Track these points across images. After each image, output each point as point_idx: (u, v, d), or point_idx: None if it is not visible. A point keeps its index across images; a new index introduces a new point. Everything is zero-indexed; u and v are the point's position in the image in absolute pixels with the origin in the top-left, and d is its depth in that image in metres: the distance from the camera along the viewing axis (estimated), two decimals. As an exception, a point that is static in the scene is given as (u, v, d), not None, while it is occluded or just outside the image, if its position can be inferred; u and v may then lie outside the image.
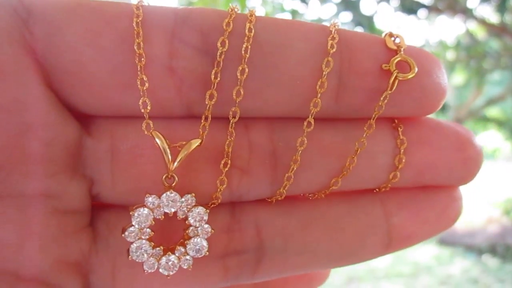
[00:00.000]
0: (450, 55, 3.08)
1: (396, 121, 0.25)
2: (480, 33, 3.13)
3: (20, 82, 0.20)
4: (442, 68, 0.24)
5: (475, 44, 3.01)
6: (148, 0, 0.22)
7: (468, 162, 0.25)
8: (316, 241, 0.25)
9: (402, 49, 0.23)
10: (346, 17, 2.56)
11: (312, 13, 2.68)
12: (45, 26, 0.21)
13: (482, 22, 2.76)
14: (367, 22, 2.56)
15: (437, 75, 0.24)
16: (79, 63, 0.21)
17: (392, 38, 0.23)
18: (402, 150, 0.24)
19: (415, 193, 0.26)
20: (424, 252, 3.02)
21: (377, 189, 0.26)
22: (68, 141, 0.21)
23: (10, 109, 0.20)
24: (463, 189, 0.27)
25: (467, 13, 2.70)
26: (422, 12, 2.73)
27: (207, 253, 0.23)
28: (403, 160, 0.24)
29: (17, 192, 0.20)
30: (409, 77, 0.23)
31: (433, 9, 2.74)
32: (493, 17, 2.87)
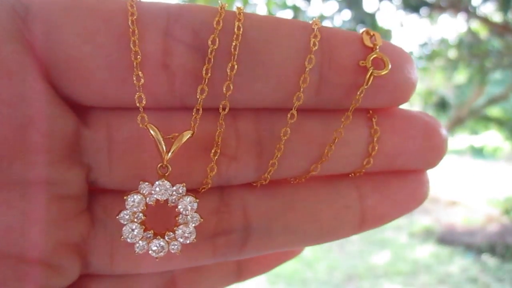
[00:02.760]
0: (452, 53, 3.08)
1: (370, 111, 0.27)
2: (483, 31, 3.13)
3: (21, 77, 0.21)
4: (413, 64, 0.26)
5: (477, 42, 3.01)
6: None
7: (434, 149, 0.28)
8: (298, 222, 0.27)
9: (377, 47, 0.25)
10: (348, 14, 2.56)
11: (314, 10, 2.68)
12: (43, 23, 0.22)
13: (485, 20, 2.76)
14: (369, 19, 2.56)
15: (408, 70, 0.26)
16: (76, 60, 0.22)
17: (369, 36, 0.25)
18: (375, 139, 0.27)
19: (387, 177, 0.28)
20: (424, 250, 3.03)
21: (352, 174, 0.28)
22: (67, 132, 0.22)
23: (11, 103, 0.21)
24: (433, 180, 0.29)
25: (470, 12, 2.70)
26: (424, 10, 2.73)
27: (195, 240, 0.24)
28: (376, 148, 0.27)
29: (19, 180, 0.22)
30: (383, 73, 0.25)
31: (436, 7, 2.74)
32: (496, 16, 2.86)
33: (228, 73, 0.23)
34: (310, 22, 0.25)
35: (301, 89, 0.24)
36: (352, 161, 0.27)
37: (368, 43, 0.25)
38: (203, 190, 0.25)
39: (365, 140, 0.27)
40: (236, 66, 0.23)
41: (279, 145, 0.25)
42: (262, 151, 0.25)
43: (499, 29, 2.77)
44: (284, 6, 2.73)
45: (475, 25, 3.08)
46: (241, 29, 0.23)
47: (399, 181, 0.28)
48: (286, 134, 0.25)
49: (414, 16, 2.80)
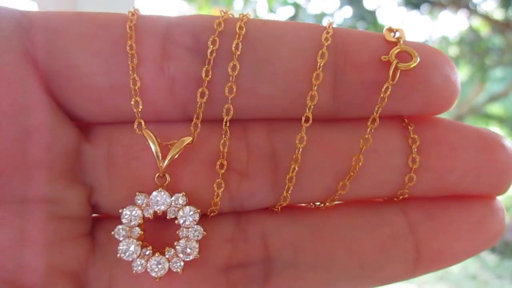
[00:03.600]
0: (453, 51, 3.07)
1: (405, 120, 0.23)
2: (484, 29, 3.11)
3: (21, 88, 0.20)
4: (451, 62, 0.22)
5: (478, 40, 3.00)
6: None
7: (498, 166, 0.23)
8: (330, 254, 0.23)
9: (401, 41, 0.22)
10: (349, 11, 2.55)
11: (314, 7, 2.67)
12: (44, 34, 0.21)
13: (486, 18, 2.75)
14: (370, 16, 2.55)
15: (445, 68, 0.22)
16: (74, 68, 0.21)
17: (392, 33, 0.23)
18: (415, 149, 0.23)
19: (443, 202, 0.23)
20: (423, 248, 3.03)
21: (395, 198, 0.23)
22: (67, 147, 0.21)
23: (11, 114, 0.20)
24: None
25: (471, 9, 2.69)
26: (425, 7, 2.72)
27: (198, 255, 0.22)
28: (418, 160, 0.22)
29: (17, 197, 0.20)
30: (411, 66, 0.21)
31: (437, 4, 2.73)
32: (497, 13, 2.85)
33: (230, 74, 0.22)
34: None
35: (315, 87, 0.21)
36: (388, 177, 0.23)
37: (390, 38, 0.22)
38: (212, 214, 0.23)
39: (402, 150, 0.23)
40: (238, 66, 0.21)
41: (295, 155, 0.22)
42: (277, 165, 0.23)
43: (500, 27, 2.76)
44: (285, 3, 2.72)
45: (476, 22, 3.06)
46: (243, 29, 0.22)
47: (460, 207, 0.23)
48: (302, 142, 0.22)
49: (415, 13, 2.79)
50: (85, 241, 0.22)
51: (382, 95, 0.22)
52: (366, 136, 0.22)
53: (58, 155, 0.21)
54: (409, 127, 0.23)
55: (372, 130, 0.22)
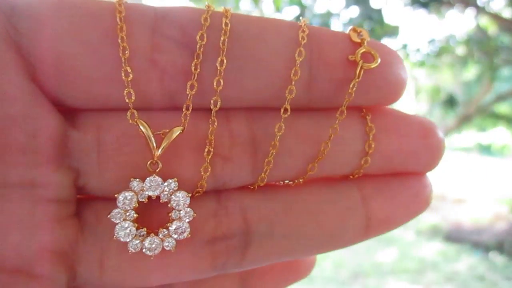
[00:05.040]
0: (460, 50, 3.05)
1: (364, 110, 0.27)
2: (492, 27, 3.09)
3: (5, 75, 0.21)
4: (402, 61, 0.26)
5: (486, 39, 2.98)
6: None
7: (431, 149, 0.27)
8: (300, 225, 0.26)
9: (365, 41, 0.25)
10: (356, 11, 2.55)
11: (320, 6, 2.67)
12: (29, 21, 0.21)
13: (494, 16, 2.73)
14: (376, 16, 2.55)
15: (398, 67, 0.26)
16: (63, 58, 0.22)
17: (356, 34, 0.25)
18: (371, 137, 0.26)
19: (388, 179, 0.27)
20: (430, 248, 3.01)
21: (351, 176, 0.27)
22: (52, 133, 0.22)
23: None
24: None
25: (479, 7, 2.67)
26: (432, 6, 2.71)
27: (189, 235, 0.24)
28: (373, 146, 0.26)
29: (3, 182, 0.21)
30: (373, 66, 0.25)
31: (444, 3, 2.72)
32: (505, 11, 2.83)
33: (218, 68, 0.23)
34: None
35: (293, 82, 0.24)
36: (349, 159, 0.26)
37: (355, 39, 0.25)
38: (197, 194, 0.25)
39: (361, 137, 0.26)
40: (225, 61, 0.23)
41: (273, 142, 0.25)
42: (257, 150, 0.25)
43: (508, 25, 2.74)
44: (291, 3, 2.72)
45: (484, 21, 3.04)
46: (229, 25, 0.23)
47: (400, 182, 0.28)
48: (281, 130, 0.25)
49: (422, 11, 2.77)
50: (73, 222, 0.23)
51: (349, 90, 0.25)
52: (335, 126, 0.25)
53: (44, 141, 0.22)
54: (367, 116, 0.27)
55: (340, 121, 0.26)
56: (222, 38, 0.23)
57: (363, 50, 0.25)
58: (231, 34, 0.23)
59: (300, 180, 0.26)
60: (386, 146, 0.26)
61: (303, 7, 2.60)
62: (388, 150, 0.26)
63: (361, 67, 0.24)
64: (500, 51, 2.95)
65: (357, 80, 0.25)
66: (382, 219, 0.27)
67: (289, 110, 0.24)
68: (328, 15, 2.62)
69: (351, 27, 0.25)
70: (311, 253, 0.27)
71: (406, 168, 0.27)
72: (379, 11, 2.55)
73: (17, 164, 0.21)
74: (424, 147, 0.27)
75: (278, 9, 2.81)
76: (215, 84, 0.23)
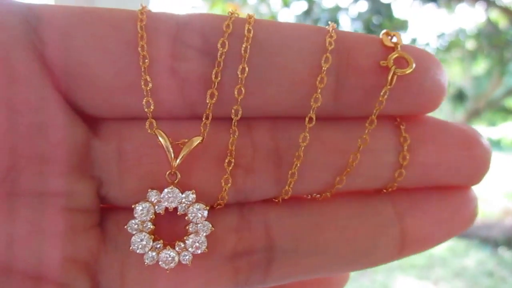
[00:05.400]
0: (470, 44, 3.02)
1: (398, 119, 0.25)
2: (502, 21, 3.06)
3: (31, 85, 0.21)
4: (441, 67, 0.24)
5: (496, 33, 2.94)
6: (154, 6, 0.23)
7: (475, 161, 0.25)
8: (327, 242, 0.24)
9: (399, 46, 0.23)
10: (364, 5, 2.53)
11: (329, 1, 2.65)
12: (54, 32, 0.22)
13: (505, 10, 2.69)
14: (385, 10, 2.53)
15: (436, 72, 0.24)
16: (86, 66, 0.22)
17: (389, 37, 0.24)
18: (406, 147, 0.24)
19: (426, 193, 0.26)
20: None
21: (385, 190, 0.26)
22: (76, 143, 0.22)
23: (21, 111, 0.21)
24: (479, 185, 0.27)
25: (489, 1, 2.64)
26: (442, 0, 2.68)
27: (206, 250, 0.23)
28: (407, 157, 0.24)
29: (31, 191, 0.21)
30: (407, 72, 0.23)
31: (454, -3, 2.69)
32: (516, 5, 2.79)
33: (239, 76, 0.22)
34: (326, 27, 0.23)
35: (318, 90, 0.23)
36: (381, 172, 0.25)
37: (388, 43, 0.24)
38: (218, 207, 0.24)
39: (394, 148, 0.25)
40: (247, 69, 0.22)
41: (298, 153, 0.23)
42: (281, 161, 0.24)
43: (519, 19, 2.70)
44: (299, -3, 2.71)
45: (494, 15, 3.01)
46: (251, 32, 0.22)
47: (441, 197, 0.26)
48: (305, 140, 0.23)
49: (431, 6, 2.75)
50: (96, 231, 0.23)
51: (380, 98, 0.23)
52: (364, 136, 0.24)
53: (69, 150, 0.22)
54: (401, 126, 0.25)
55: (369, 131, 0.24)
56: (244, 45, 0.22)
57: (396, 55, 0.23)
58: (254, 41, 0.22)
59: (328, 193, 0.25)
60: (423, 158, 0.25)
61: (311, 2, 2.59)
62: (426, 162, 0.25)
63: (394, 73, 0.23)
64: (510, 45, 2.91)
65: (388, 87, 0.23)
66: (418, 237, 0.25)
67: (314, 119, 0.23)
68: (337, 9, 2.61)
69: (383, 31, 0.24)
70: (338, 271, 0.26)
71: (447, 181, 0.25)
72: (388, 6, 2.53)
73: (40, 174, 0.21)
74: (467, 158, 0.25)
75: (286, 4, 2.79)
76: (236, 92, 0.23)
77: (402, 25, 2.69)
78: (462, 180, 0.26)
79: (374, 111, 0.24)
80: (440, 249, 2.91)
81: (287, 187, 0.24)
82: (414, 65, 0.23)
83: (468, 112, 3.66)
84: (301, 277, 0.25)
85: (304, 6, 2.65)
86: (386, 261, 0.25)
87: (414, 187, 0.26)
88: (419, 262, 2.71)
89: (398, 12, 2.61)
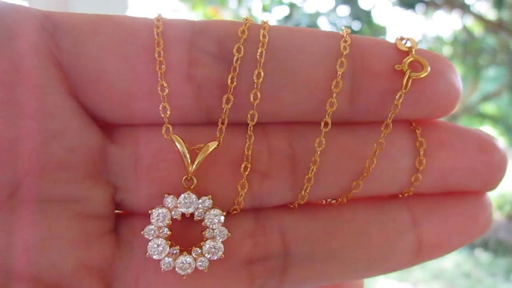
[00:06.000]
0: (446, 50, 3.09)
1: (413, 124, 0.25)
2: (477, 29, 3.14)
3: (46, 91, 0.21)
4: (455, 70, 0.24)
5: (471, 40, 3.02)
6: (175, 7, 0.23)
7: (492, 166, 0.25)
8: (343, 248, 0.24)
9: (413, 50, 0.24)
10: (346, 10, 2.56)
11: (310, 6, 2.67)
12: (70, 38, 0.22)
13: (479, 18, 2.77)
14: (365, 16, 2.56)
15: (450, 76, 0.24)
16: (102, 73, 0.22)
17: (403, 41, 0.24)
18: (422, 152, 0.24)
19: (442, 198, 0.26)
20: (418, 246, 3.04)
21: (401, 195, 0.26)
22: (91, 148, 0.22)
23: (36, 117, 0.21)
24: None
25: (465, 9, 2.71)
26: (419, 7, 2.73)
27: (223, 255, 0.23)
28: (424, 162, 0.25)
29: (44, 197, 0.21)
30: (422, 75, 0.23)
31: (431, 4, 2.75)
32: (490, 13, 2.87)
33: (255, 81, 0.23)
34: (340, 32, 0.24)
35: (334, 95, 0.23)
36: (398, 177, 0.25)
37: (402, 48, 0.24)
38: (234, 212, 0.24)
39: (411, 153, 0.25)
40: (262, 74, 0.22)
41: (314, 157, 0.24)
42: (297, 166, 0.24)
43: (493, 27, 2.78)
44: (280, 3, 2.72)
45: (470, 22, 3.09)
46: (267, 37, 0.23)
47: (456, 203, 0.26)
48: (321, 145, 0.23)
49: (409, 12, 2.80)
50: (110, 238, 0.23)
51: (395, 102, 0.23)
52: (380, 140, 0.24)
53: (83, 156, 0.22)
54: (417, 130, 0.25)
55: (385, 135, 0.24)
56: (259, 51, 0.22)
57: (411, 59, 0.23)
58: (269, 46, 0.23)
59: (344, 199, 0.25)
60: (439, 163, 0.25)
61: (292, 7, 2.60)
62: (442, 167, 0.25)
63: (409, 77, 0.23)
64: (485, 52, 2.99)
65: (404, 91, 0.23)
66: (434, 244, 0.25)
67: (330, 124, 0.23)
68: (317, 14, 2.63)
69: (398, 35, 0.24)
70: (354, 278, 0.25)
71: (463, 186, 0.26)
72: (368, 12, 2.57)
73: (56, 179, 0.21)
74: (483, 163, 0.25)
75: (266, 9, 2.81)
76: (251, 97, 0.23)
77: (381, 31, 2.73)
78: (478, 185, 0.26)
79: (390, 115, 0.24)
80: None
81: (303, 192, 0.24)
82: (429, 69, 0.23)
83: (446, 117, 3.73)
84: (317, 283, 0.25)
85: (285, 11, 2.67)
86: (402, 267, 0.25)
87: (430, 193, 0.26)
88: (399, 264, 2.75)
89: (377, 18, 2.65)
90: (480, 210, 0.26)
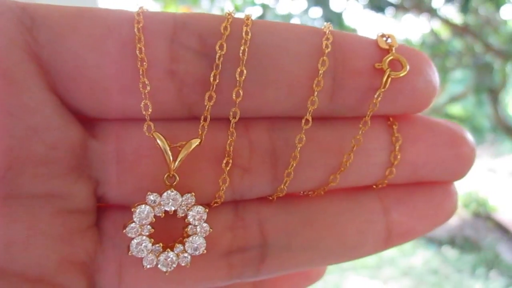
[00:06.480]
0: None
1: (391, 119, 0.26)
2: (444, 32, 3.23)
3: (25, 87, 0.21)
4: (433, 67, 0.25)
5: (439, 43, 3.10)
6: (148, 7, 0.23)
7: (461, 159, 0.26)
8: (319, 237, 0.25)
9: (393, 48, 0.24)
10: (316, 12, 2.59)
11: (282, 8, 2.69)
12: (49, 33, 0.21)
13: (446, 22, 2.85)
14: (336, 18, 2.60)
15: (428, 73, 0.25)
16: (82, 68, 0.21)
17: (384, 38, 0.24)
18: (397, 147, 0.25)
19: (411, 189, 0.27)
20: (388, 244, 3.09)
21: (374, 186, 0.27)
22: (72, 144, 0.22)
23: (15, 113, 0.20)
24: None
25: (432, 13, 2.78)
26: (389, 10, 2.79)
27: (205, 251, 0.24)
28: (398, 157, 0.25)
29: (24, 193, 0.21)
30: (401, 75, 0.24)
31: (400, 8, 2.81)
32: (457, 18, 2.96)
33: (237, 79, 0.23)
34: (322, 27, 0.24)
35: (315, 93, 0.23)
36: (373, 171, 0.26)
37: (383, 45, 0.24)
38: (215, 205, 0.24)
39: (386, 148, 0.25)
40: (245, 72, 0.23)
41: (294, 153, 0.24)
42: (277, 161, 0.24)
43: (459, 30, 2.87)
44: (253, 4, 2.73)
45: (437, 26, 3.17)
46: (249, 34, 0.23)
47: (424, 193, 0.27)
48: (301, 142, 0.24)
49: (379, 15, 2.85)
50: (93, 232, 0.23)
51: (374, 100, 0.24)
52: (358, 137, 0.25)
53: (65, 152, 0.21)
54: (394, 126, 0.26)
55: (363, 132, 0.25)
56: (242, 48, 0.23)
57: (391, 57, 0.24)
58: (252, 43, 0.23)
59: (321, 191, 0.26)
60: (413, 157, 0.26)
61: (265, 8, 2.61)
62: (415, 161, 0.26)
63: (388, 76, 0.23)
64: (451, 55, 3.08)
65: (383, 90, 0.24)
66: (403, 231, 0.27)
67: (310, 121, 0.24)
68: (290, 16, 2.65)
69: (380, 32, 0.24)
70: (328, 263, 0.27)
71: (433, 178, 0.27)
72: (339, 14, 2.60)
73: (37, 176, 0.21)
74: (453, 157, 0.26)
75: (238, 10, 2.81)
76: (234, 95, 0.23)
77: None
78: (447, 176, 0.27)
79: (368, 113, 0.24)
80: (389, 249, 3.00)
81: (282, 186, 0.25)
82: (408, 68, 0.24)
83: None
84: (293, 270, 0.26)
85: (258, 11, 2.68)
86: (373, 252, 0.27)
87: (401, 183, 0.27)
88: (370, 262, 2.79)
89: (348, 21, 2.69)
90: (446, 198, 0.27)
